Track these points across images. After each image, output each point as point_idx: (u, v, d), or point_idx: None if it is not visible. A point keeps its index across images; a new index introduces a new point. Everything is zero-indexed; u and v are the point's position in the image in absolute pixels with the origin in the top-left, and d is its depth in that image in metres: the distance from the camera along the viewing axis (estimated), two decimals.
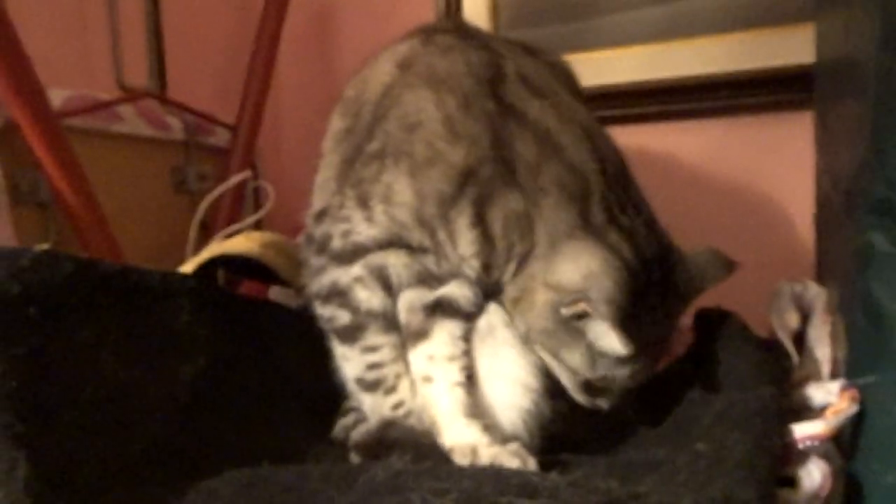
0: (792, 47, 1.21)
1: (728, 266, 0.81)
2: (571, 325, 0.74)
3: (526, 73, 0.82)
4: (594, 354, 0.75)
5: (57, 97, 1.09)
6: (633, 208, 0.77)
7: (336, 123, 0.95)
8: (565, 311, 0.72)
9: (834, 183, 0.82)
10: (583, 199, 0.75)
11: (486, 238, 0.77)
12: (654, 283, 0.75)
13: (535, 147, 0.76)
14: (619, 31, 1.38)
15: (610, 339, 0.71)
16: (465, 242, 0.78)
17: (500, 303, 0.82)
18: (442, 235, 0.79)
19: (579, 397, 0.79)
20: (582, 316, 0.72)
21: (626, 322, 0.71)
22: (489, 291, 0.82)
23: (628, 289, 0.71)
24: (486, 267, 0.79)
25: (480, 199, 0.76)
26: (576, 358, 0.76)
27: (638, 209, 0.78)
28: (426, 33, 0.90)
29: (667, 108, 1.36)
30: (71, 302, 0.73)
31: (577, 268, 0.73)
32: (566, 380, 0.79)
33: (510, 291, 0.79)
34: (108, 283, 0.77)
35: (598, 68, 1.38)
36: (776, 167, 1.30)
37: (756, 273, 1.08)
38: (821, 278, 0.95)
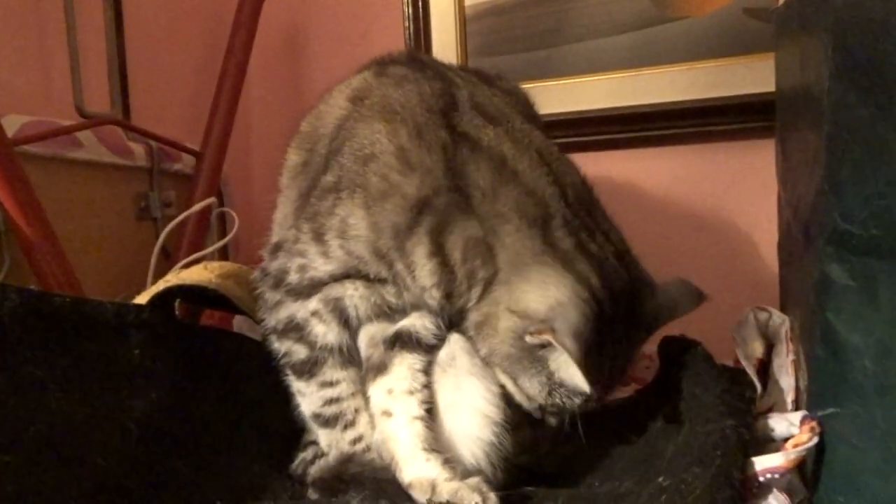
0: (758, 76, 1.23)
1: (697, 297, 0.80)
2: (535, 354, 0.73)
3: (480, 101, 0.82)
4: (553, 384, 0.74)
5: (14, 123, 1.07)
6: (602, 235, 0.76)
7: (292, 158, 0.95)
8: (530, 340, 0.71)
9: (794, 213, 0.82)
10: (543, 224, 0.74)
11: (445, 267, 0.76)
12: (620, 315, 0.74)
13: (490, 174, 0.75)
14: (588, 58, 1.40)
15: (572, 374, 0.70)
16: (425, 273, 0.77)
17: (463, 332, 0.80)
18: (399, 266, 0.78)
19: (532, 412, 0.79)
20: (545, 346, 0.71)
21: (589, 354, 0.69)
22: (452, 321, 0.81)
23: (594, 321, 0.70)
24: (448, 295, 0.78)
25: (438, 229, 0.75)
26: (534, 386, 0.75)
27: (607, 236, 0.77)
28: (379, 65, 0.91)
29: (634, 135, 1.37)
30: (17, 336, 0.71)
31: (544, 296, 0.72)
32: (521, 401, 0.78)
33: (474, 317, 0.78)
34: (57, 316, 0.75)
35: (566, 95, 1.39)
36: (743, 193, 1.31)
37: (722, 299, 1.08)
38: (784, 307, 0.94)
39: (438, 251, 0.76)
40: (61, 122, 1.15)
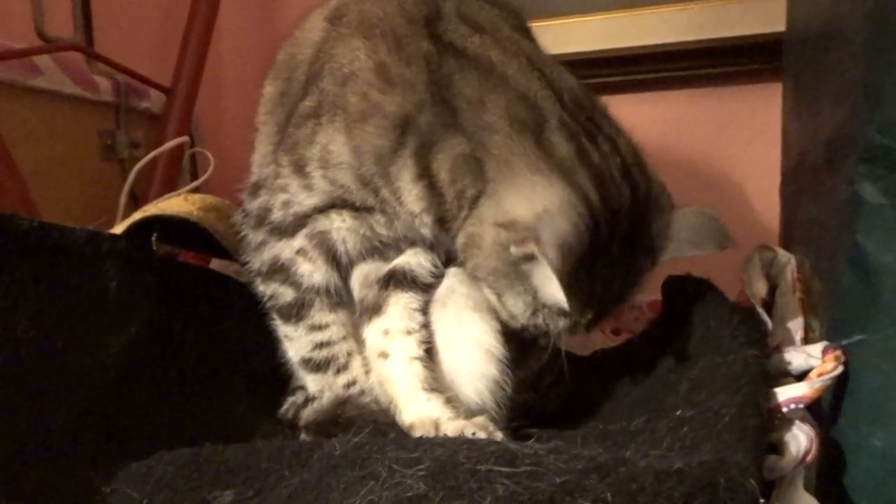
0: (756, 16, 1.20)
1: (722, 240, 0.72)
2: (519, 268, 0.68)
3: (466, 11, 0.76)
4: (537, 303, 0.69)
5: None
6: (608, 142, 0.69)
7: (269, 90, 0.89)
8: (514, 251, 0.65)
9: (813, 142, 0.80)
10: (536, 128, 0.68)
11: (432, 190, 0.71)
12: (619, 236, 0.67)
13: (476, 82, 0.70)
14: None
15: (552, 289, 0.65)
16: (413, 198, 0.72)
17: (461, 264, 0.76)
18: (386, 193, 0.73)
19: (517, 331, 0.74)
20: (530, 258, 0.65)
21: (578, 273, 0.64)
22: (449, 257, 0.77)
23: (587, 237, 0.64)
24: (441, 221, 0.73)
25: (422, 149, 0.70)
26: (518, 305, 0.70)
27: (614, 144, 0.70)
28: None
29: (627, 79, 1.34)
30: None
31: (531, 203, 0.66)
32: (505, 319, 0.73)
33: (460, 239, 0.73)
34: (23, 241, 0.69)
35: (557, 36, 1.32)
36: (738, 137, 1.30)
37: None
38: (788, 247, 0.92)
39: (424, 173, 0.71)
40: (18, 46, 1.06)
